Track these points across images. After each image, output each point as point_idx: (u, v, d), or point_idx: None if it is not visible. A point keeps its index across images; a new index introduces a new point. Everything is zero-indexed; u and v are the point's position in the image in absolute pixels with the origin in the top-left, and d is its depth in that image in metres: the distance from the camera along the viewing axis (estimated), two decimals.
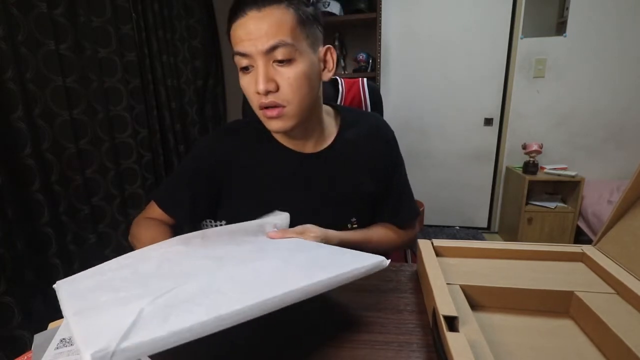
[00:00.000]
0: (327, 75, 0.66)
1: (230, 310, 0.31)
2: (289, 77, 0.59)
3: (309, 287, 0.36)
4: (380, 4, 2.08)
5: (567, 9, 2.18)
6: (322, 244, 0.58)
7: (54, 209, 1.21)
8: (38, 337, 0.42)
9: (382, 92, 2.40)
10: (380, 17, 2.10)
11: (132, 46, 1.53)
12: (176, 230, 0.73)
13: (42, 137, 1.17)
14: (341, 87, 0.95)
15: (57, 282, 0.42)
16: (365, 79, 0.97)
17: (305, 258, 0.48)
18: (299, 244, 0.57)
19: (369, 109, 0.95)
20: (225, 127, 0.77)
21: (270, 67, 0.59)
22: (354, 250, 0.51)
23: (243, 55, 0.59)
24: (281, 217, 0.64)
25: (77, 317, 0.31)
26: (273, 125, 0.63)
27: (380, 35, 2.14)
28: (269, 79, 0.58)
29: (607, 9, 2.12)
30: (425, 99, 2.47)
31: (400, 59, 2.43)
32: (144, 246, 0.66)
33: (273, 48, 0.57)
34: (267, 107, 0.61)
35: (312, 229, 0.62)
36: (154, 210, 0.72)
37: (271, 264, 0.45)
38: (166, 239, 0.66)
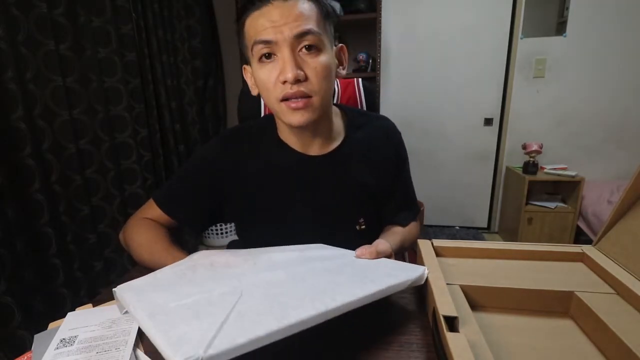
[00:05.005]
0: (340, 73, 0.66)
1: (298, 319, 0.33)
2: (315, 66, 0.57)
3: (363, 297, 0.39)
4: (380, 4, 2.08)
5: (567, 9, 2.18)
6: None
7: (54, 209, 1.21)
8: (38, 337, 0.42)
9: (382, 92, 2.41)
10: (380, 17, 2.10)
11: (132, 46, 1.53)
12: (174, 233, 0.71)
13: (42, 137, 1.17)
14: (337, 88, 0.95)
15: (117, 287, 0.45)
16: (360, 79, 0.96)
17: (353, 271, 0.48)
18: (344, 257, 0.55)
19: (365, 109, 0.95)
20: (227, 132, 0.75)
21: (296, 55, 0.57)
22: (398, 262, 0.53)
23: (267, 42, 0.56)
24: (320, 245, 0.63)
25: (154, 323, 0.33)
26: (297, 118, 0.59)
27: (380, 35, 2.14)
28: (298, 66, 0.56)
29: (607, 9, 2.12)
30: (425, 99, 2.47)
31: (400, 59, 2.43)
32: (141, 247, 0.66)
33: (303, 34, 0.56)
34: (291, 99, 0.58)
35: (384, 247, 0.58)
36: (152, 211, 0.71)
37: (323, 277, 0.45)
38: (163, 242, 0.65)
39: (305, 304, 0.36)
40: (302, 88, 0.57)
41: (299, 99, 0.58)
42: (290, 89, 0.57)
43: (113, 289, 0.45)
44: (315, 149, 0.70)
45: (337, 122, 0.72)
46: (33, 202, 1.13)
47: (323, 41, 0.58)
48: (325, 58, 0.59)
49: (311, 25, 0.56)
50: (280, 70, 0.57)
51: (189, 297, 0.38)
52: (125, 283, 0.46)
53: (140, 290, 0.43)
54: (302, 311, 0.34)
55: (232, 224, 0.81)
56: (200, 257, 0.55)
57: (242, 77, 2.41)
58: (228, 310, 0.34)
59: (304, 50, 0.57)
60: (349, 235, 0.63)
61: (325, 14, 0.59)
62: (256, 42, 0.57)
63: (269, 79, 0.58)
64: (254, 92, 0.66)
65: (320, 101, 0.60)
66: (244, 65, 0.68)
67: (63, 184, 1.24)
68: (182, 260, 0.53)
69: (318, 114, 0.61)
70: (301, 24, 0.56)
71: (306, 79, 0.58)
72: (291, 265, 0.49)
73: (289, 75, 0.55)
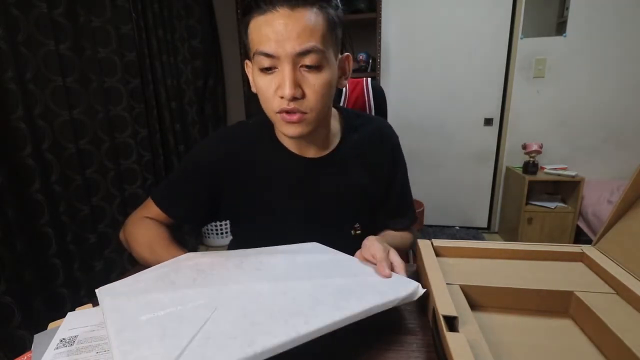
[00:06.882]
0: (342, 83, 0.66)
1: (264, 347, 0.32)
2: (314, 84, 0.57)
3: (340, 321, 0.37)
4: (380, 4, 2.08)
5: (567, 9, 2.18)
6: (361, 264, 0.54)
7: (54, 209, 1.21)
8: (38, 337, 0.42)
9: None
10: (380, 17, 2.10)
11: (132, 46, 1.53)
12: (175, 230, 0.72)
13: (42, 137, 1.17)
14: (345, 88, 0.95)
15: (99, 288, 0.45)
16: (369, 79, 0.96)
17: (340, 283, 0.46)
18: (335, 264, 0.54)
19: (373, 110, 0.95)
20: (225, 130, 0.75)
21: (297, 71, 0.56)
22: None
23: (268, 55, 0.55)
24: (315, 246, 0.62)
25: (118, 342, 0.33)
26: (290, 131, 0.60)
27: (380, 35, 2.14)
28: (296, 84, 0.56)
29: (607, 9, 2.12)
30: (425, 99, 2.47)
31: (400, 59, 2.43)
32: (142, 247, 0.66)
33: (304, 53, 0.55)
34: (287, 112, 0.58)
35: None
36: (150, 210, 0.71)
37: (305, 288, 0.44)
38: (164, 240, 0.66)
39: (276, 328, 0.34)
40: (297, 105, 0.57)
41: (293, 114, 0.58)
42: (287, 105, 0.57)
43: (96, 290, 0.45)
44: (312, 152, 0.70)
45: (334, 124, 0.72)
46: (33, 202, 1.13)
47: (326, 57, 0.57)
48: (326, 75, 0.58)
49: (315, 41, 0.55)
50: (278, 84, 0.57)
51: (162, 309, 0.38)
52: (108, 285, 0.46)
53: (118, 296, 0.42)
54: (270, 338, 0.33)
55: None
56: (186, 259, 0.55)
57: (242, 78, 2.42)
58: (195, 330, 0.34)
59: (304, 67, 0.56)
60: (344, 240, 0.62)
61: (332, 25, 0.57)
62: (257, 53, 0.56)
63: (267, 90, 0.58)
64: (254, 89, 0.66)
65: (315, 117, 0.60)
66: (246, 61, 0.67)
67: (63, 184, 1.24)
68: (167, 262, 0.53)
69: (312, 128, 0.61)
70: (304, 41, 0.54)
71: (303, 96, 0.57)
72: (276, 274, 0.48)
73: (287, 92, 0.55)
